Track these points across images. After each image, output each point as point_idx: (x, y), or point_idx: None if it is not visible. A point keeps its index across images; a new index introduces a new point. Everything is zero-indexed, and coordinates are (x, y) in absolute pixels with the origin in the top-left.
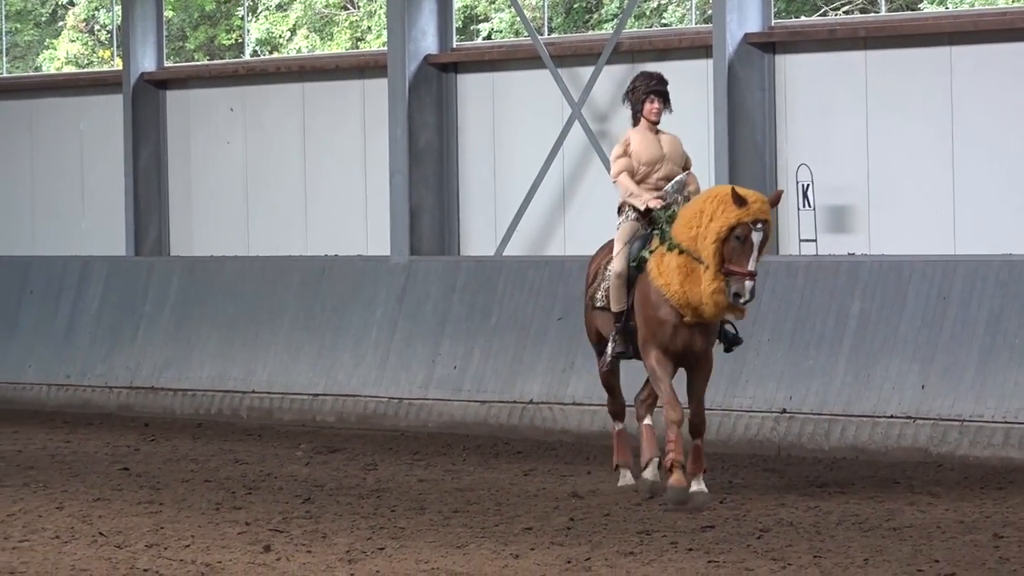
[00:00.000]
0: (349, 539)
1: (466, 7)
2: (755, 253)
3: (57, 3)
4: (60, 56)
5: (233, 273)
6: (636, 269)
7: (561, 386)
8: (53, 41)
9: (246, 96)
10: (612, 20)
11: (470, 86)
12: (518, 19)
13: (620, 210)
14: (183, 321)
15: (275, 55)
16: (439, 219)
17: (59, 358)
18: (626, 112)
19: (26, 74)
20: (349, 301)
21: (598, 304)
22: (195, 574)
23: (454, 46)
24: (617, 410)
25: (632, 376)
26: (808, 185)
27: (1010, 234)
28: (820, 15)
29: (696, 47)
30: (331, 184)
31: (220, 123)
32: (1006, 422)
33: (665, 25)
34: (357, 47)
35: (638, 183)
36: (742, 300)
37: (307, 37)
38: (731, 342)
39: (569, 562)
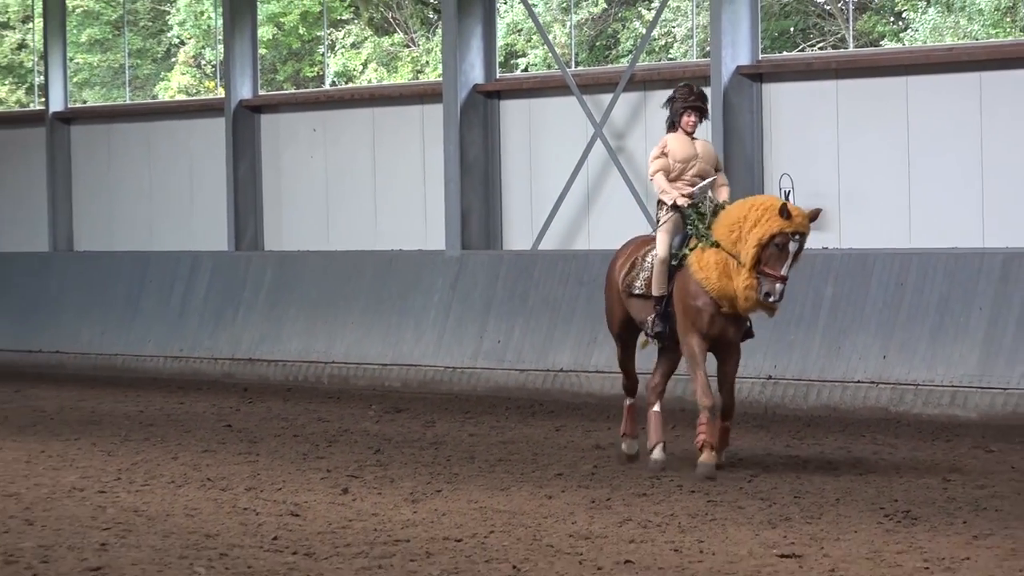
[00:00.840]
0: (412, 483)
1: (507, 44)
2: (789, 260)
3: (170, 43)
4: (173, 86)
5: (316, 265)
6: (677, 266)
7: (586, 357)
8: (167, 74)
9: (326, 119)
10: (627, 55)
11: (510, 110)
12: (550, 55)
13: (659, 204)
14: (275, 304)
15: (350, 85)
16: (485, 219)
17: (173, 335)
18: (639, 132)
19: (145, 101)
20: (411, 288)
21: (636, 291)
22: (285, 512)
23: (497, 77)
24: (630, 387)
25: (643, 364)
26: (789, 191)
27: (956, 231)
28: (799, 51)
29: (696, 77)
30: (396, 191)
31: (304, 141)
32: (952, 386)
33: (671, 59)
34: (417, 78)
35: (675, 179)
36: (771, 299)
37: (376, 70)
38: (745, 335)
39: (593, 502)
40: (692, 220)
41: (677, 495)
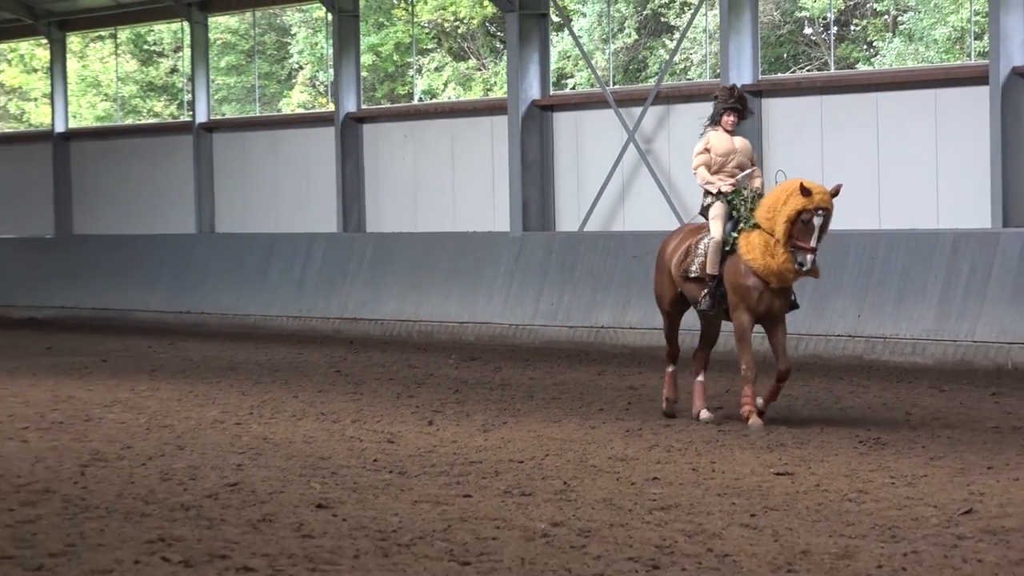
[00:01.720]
0: (484, 416)
1: (559, 68)
2: (816, 232)
3: (291, 67)
4: (293, 102)
5: (407, 243)
6: (729, 251)
7: (622, 316)
8: (289, 92)
9: (414, 128)
10: (654, 76)
11: (561, 120)
12: (593, 76)
13: (706, 194)
14: (374, 275)
15: (433, 101)
16: (541, 207)
17: (294, 299)
18: (664, 137)
19: (271, 114)
20: (482, 261)
21: (692, 275)
22: (383, 439)
23: (551, 94)
24: (674, 355)
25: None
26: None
27: (916, 216)
28: (791, 72)
29: (709, 93)
30: (470, 185)
31: (397, 145)
32: (914, 339)
33: (689, 79)
34: (487, 95)
35: (716, 171)
36: (804, 268)
37: (454, 88)
38: (790, 307)
39: (627, 431)
40: (736, 205)
41: (694, 425)
